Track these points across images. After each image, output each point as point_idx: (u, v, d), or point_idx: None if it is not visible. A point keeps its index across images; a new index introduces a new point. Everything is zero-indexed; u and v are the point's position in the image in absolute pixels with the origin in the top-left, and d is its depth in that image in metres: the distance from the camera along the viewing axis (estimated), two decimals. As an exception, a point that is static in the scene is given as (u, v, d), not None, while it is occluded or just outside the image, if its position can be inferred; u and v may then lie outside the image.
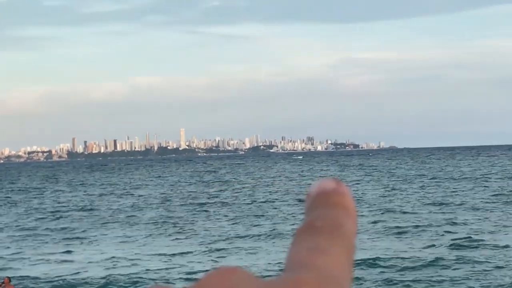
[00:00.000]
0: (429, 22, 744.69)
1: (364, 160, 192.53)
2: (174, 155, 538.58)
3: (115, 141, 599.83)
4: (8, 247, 41.62)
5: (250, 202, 64.78)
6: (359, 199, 62.21)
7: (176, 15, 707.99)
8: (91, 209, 63.67)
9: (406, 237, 39.15)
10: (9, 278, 28.30)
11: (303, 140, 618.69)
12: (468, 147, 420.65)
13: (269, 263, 32.16)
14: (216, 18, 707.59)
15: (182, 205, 64.70)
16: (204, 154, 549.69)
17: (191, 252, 36.54)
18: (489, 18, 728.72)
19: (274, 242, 39.20)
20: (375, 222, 46.25)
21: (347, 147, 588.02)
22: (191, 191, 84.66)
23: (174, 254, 35.96)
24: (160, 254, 36.31)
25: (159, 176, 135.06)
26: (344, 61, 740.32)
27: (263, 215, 52.77)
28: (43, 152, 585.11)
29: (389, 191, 73.19)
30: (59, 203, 74.20)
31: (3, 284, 27.48)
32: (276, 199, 67.59)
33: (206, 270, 24.12)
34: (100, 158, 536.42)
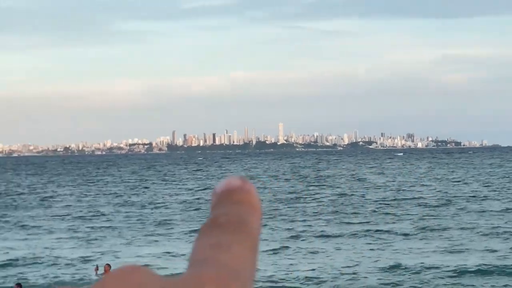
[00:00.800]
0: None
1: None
2: (272, 149, 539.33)
3: (213, 135, 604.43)
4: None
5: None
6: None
7: (275, 10, 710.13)
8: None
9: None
10: (109, 266, 28.68)
11: (403, 136, 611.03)
12: None
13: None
14: (315, 13, 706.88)
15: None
16: (302, 149, 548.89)
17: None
18: None
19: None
20: None
21: (448, 145, 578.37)
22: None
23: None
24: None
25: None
26: (444, 58, 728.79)
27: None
28: (143, 144, 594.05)
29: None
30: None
31: (105, 272, 27.86)
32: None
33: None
34: (199, 152, 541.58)
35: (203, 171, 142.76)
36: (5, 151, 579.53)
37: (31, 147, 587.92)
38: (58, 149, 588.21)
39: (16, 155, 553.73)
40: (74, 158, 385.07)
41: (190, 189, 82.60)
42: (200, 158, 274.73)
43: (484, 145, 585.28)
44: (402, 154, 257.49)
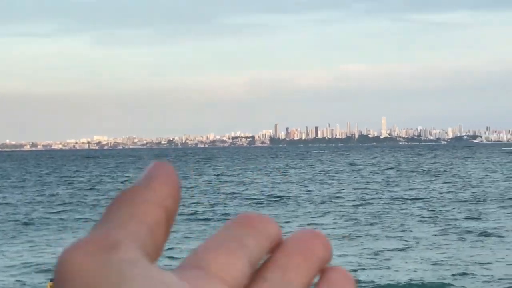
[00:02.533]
0: None
1: None
2: (374, 143, 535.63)
3: (316, 128, 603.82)
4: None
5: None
6: None
7: (381, 2, 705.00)
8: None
9: None
10: None
11: (509, 130, 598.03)
12: None
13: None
14: (423, 5, 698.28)
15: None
16: (406, 143, 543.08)
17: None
18: None
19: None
20: None
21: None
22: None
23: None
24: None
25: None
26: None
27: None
28: (246, 137, 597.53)
29: None
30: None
31: None
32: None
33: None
34: (301, 145, 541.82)
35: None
36: (111, 143, 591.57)
37: (136, 140, 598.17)
38: (162, 142, 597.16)
39: (121, 147, 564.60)
40: (179, 150, 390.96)
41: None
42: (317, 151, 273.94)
43: None
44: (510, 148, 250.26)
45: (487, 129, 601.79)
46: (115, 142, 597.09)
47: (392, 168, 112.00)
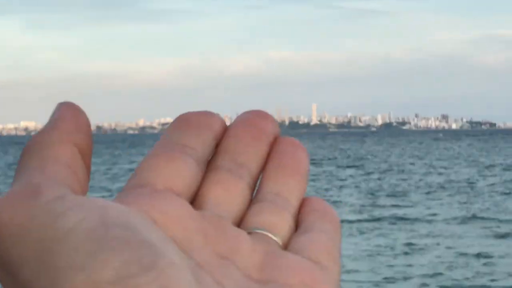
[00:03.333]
0: None
1: None
2: (305, 130, 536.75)
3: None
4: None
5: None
6: None
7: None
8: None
9: None
10: None
11: (437, 117, 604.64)
12: None
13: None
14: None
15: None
16: (336, 130, 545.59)
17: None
18: None
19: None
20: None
21: (483, 126, 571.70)
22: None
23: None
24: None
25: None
26: (483, 38, 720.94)
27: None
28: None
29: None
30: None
31: None
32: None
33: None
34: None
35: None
36: (37, 129, 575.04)
37: None
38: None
39: None
40: (106, 136, 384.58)
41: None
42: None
43: None
44: (441, 135, 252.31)
45: (416, 116, 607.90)
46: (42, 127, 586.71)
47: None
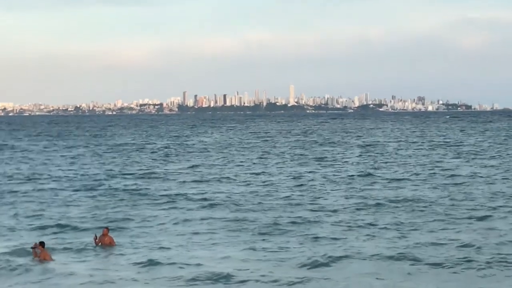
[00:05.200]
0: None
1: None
2: (282, 111, 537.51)
3: (224, 96, 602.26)
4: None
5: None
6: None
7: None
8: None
9: None
10: (108, 229, 27.63)
11: (414, 99, 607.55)
12: None
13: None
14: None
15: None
16: (313, 111, 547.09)
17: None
18: None
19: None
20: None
21: (459, 108, 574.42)
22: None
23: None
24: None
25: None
26: (460, 21, 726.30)
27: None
28: (154, 105, 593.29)
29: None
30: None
31: (100, 236, 26.78)
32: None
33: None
34: (210, 112, 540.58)
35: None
36: (16, 110, 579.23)
37: (42, 107, 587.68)
38: (69, 109, 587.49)
39: (27, 114, 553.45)
40: (85, 117, 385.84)
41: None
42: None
43: (495, 108, 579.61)
44: (407, 117, 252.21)
45: (392, 98, 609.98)
46: (21, 108, 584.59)
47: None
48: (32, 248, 24.58)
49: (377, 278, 22.12)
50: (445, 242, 27.07)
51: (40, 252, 24.27)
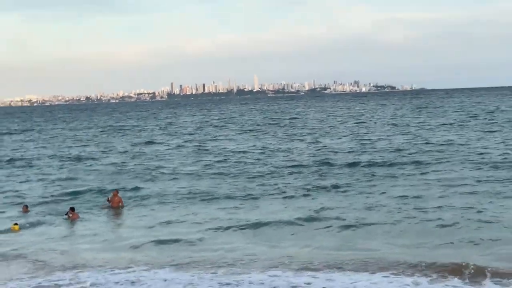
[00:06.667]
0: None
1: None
2: (249, 95, 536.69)
3: (203, 85, 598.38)
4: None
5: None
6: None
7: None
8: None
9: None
10: (117, 190, 27.63)
11: (351, 83, 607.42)
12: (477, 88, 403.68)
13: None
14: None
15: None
16: (273, 95, 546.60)
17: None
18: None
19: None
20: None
21: (385, 89, 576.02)
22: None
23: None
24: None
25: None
26: (387, 20, 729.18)
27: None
28: (148, 93, 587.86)
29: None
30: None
31: (111, 197, 26.77)
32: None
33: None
34: (192, 98, 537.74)
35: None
36: (39, 100, 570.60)
37: (60, 97, 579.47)
38: (81, 99, 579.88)
39: (48, 104, 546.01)
40: (95, 105, 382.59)
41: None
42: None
43: (413, 88, 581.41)
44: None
45: (334, 83, 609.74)
46: (43, 99, 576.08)
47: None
48: (66, 213, 24.78)
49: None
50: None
51: (71, 214, 24.55)
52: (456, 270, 15.35)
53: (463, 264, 15.57)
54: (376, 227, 20.62)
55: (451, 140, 47.62)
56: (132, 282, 15.26)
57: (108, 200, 26.82)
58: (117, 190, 27.55)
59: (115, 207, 26.23)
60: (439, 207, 23.14)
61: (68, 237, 21.81)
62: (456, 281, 14.78)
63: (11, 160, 47.38)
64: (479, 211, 22.15)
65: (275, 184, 30.24)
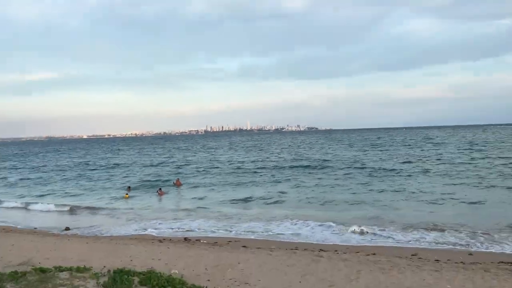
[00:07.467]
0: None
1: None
2: (245, 131, 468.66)
3: (222, 127, 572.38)
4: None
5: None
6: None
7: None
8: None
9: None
10: (178, 179, 26.41)
11: (296, 125, 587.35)
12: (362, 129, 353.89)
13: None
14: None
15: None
16: (257, 131, 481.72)
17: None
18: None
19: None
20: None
21: (313, 129, 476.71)
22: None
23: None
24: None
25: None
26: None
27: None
28: (195, 130, 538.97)
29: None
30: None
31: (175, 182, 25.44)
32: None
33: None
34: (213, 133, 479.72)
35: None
36: (136, 134, 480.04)
37: (149, 132, 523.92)
38: (161, 133, 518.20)
39: (139, 135, 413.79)
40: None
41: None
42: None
43: (327, 128, 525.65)
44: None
45: (287, 125, 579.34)
46: (136, 133, 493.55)
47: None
48: (157, 191, 22.65)
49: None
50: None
51: (159, 192, 22.42)
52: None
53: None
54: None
55: (337, 153, 41.31)
56: (187, 230, 14.46)
57: (173, 183, 25.81)
58: (178, 179, 26.73)
59: (178, 185, 25.16)
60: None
61: (157, 203, 20.45)
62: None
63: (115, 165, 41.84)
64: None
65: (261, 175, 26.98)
